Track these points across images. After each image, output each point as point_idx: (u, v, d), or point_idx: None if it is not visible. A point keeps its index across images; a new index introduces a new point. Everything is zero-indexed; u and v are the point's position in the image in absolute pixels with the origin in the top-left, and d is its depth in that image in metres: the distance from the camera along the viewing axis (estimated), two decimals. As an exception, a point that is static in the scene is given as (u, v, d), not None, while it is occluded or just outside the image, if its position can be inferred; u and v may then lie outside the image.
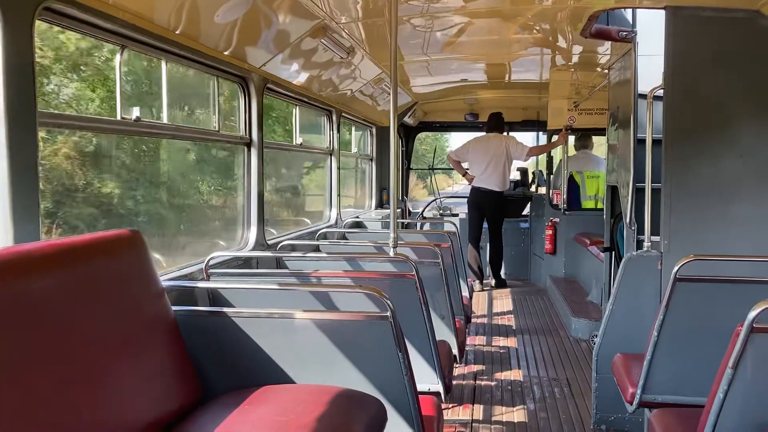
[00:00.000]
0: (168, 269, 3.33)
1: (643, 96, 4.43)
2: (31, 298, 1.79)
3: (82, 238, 2.13)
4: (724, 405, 2.22)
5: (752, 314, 2.12)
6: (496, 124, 8.58)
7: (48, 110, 2.48)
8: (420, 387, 2.88)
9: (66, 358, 1.84)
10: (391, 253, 3.43)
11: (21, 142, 2.09)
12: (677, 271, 3.05)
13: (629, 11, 4.68)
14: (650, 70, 4.46)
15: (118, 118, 2.82)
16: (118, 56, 2.79)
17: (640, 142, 4.34)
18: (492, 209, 8.56)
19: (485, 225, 8.70)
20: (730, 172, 3.79)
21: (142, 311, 2.24)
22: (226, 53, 3.68)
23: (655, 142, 4.08)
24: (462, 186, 11.33)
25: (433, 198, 10.30)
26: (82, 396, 1.86)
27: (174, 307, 2.44)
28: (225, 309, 2.59)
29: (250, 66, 4.03)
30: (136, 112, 2.88)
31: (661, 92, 3.98)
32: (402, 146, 9.58)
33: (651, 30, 4.44)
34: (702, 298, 3.09)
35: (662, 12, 3.87)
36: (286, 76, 4.69)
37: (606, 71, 5.80)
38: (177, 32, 3.13)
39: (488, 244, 8.78)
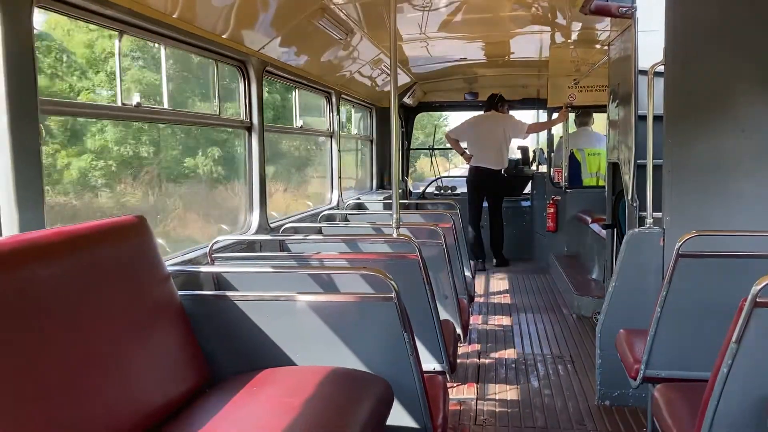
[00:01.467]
0: (172, 254, 3.35)
1: (644, 72, 4.40)
2: (38, 286, 1.80)
3: (88, 225, 2.14)
4: (727, 379, 2.23)
5: (756, 289, 2.13)
6: (493, 103, 8.56)
7: (49, 98, 2.48)
8: (425, 366, 2.90)
9: (74, 345, 1.86)
10: (394, 234, 3.44)
11: (23, 130, 2.09)
12: (679, 247, 3.06)
13: (629, -14, 4.65)
14: (651, 46, 4.44)
15: (119, 104, 2.82)
16: (116, 42, 2.78)
17: (641, 119, 4.33)
18: (491, 188, 8.56)
19: (485, 204, 8.71)
20: (732, 147, 3.77)
21: (148, 296, 2.25)
22: (224, 36, 3.66)
23: (656, 119, 4.07)
24: (463, 170, 11.33)
25: (435, 178, 10.30)
26: (91, 381, 1.88)
27: (180, 292, 2.46)
28: (230, 293, 2.61)
29: (248, 49, 4.01)
30: (136, 97, 2.88)
31: (661, 68, 3.95)
32: (402, 127, 9.55)
33: (651, 5, 4.42)
34: (704, 274, 3.11)
35: (663, -14, 3.84)
36: (285, 59, 4.67)
37: (606, 48, 5.77)
38: (174, 16, 3.11)
39: (489, 223, 8.80)
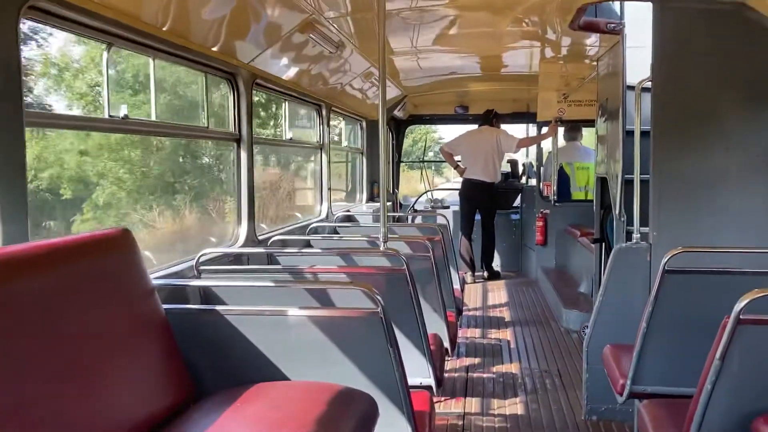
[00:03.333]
0: (158, 267, 3.33)
1: (632, 88, 4.44)
2: (21, 299, 1.79)
3: (72, 238, 2.12)
4: (712, 396, 2.24)
5: (739, 306, 2.14)
6: (487, 117, 8.66)
7: (35, 110, 2.47)
8: (412, 381, 2.90)
9: (56, 359, 1.84)
10: (382, 248, 3.43)
11: (8, 142, 2.08)
12: (666, 263, 3.07)
13: (617, 3, 4.69)
14: (638, 62, 4.47)
15: (106, 116, 2.81)
16: (104, 54, 2.78)
17: (629, 134, 4.36)
18: (483, 200, 8.60)
19: (477, 217, 8.75)
20: (718, 163, 3.81)
21: (132, 310, 2.23)
22: (214, 49, 3.66)
23: (644, 134, 4.10)
24: (455, 183, 11.39)
25: (425, 191, 10.32)
26: (74, 396, 1.86)
27: (165, 305, 2.44)
28: (216, 307, 2.59)
29: (238, 62, 4.01)
30: (123, 109, 2.87)
31: (649, 84, 3.99)
32: (392, 139, 9.58)
33: (639, 22, 4.46)
34: (690, 290, 3.11)
35: (650, 4, 3.89)
36: (276, 71, 4.68)
37: (595, 63, 5.81)
38: (164, 29, 3.11)
39: (480, 236, 8.82)
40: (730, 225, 3.77)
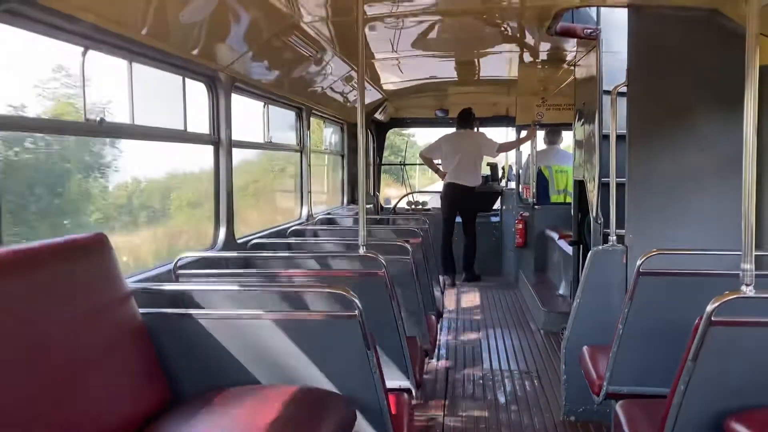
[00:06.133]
0: (135, 271, 3.30)
1: (608, 92, 4.49)
2: (-5, 304, 1.78)
3: (46, 243, 2.11)
4: (685, 396, 2.28)
5: (710, 307, 2.18)
6: (466, 120, 8.66)
7: (6, 113, 2.44)
8: (390, 384, 2.91)
9: (31, 363, 1.83)
10: (361, 251, 3.44)
11: None
12: (640, 264, 3.12)
13: (594, 9, 4.75)
14: (615, 67, 4.53)
15: (83, 120, 2.79)
16: (81, 58, 2.76)
17: (606, 138, 4.41)
18: (464, 204, 8.64)
19: (458, 220, 8.78)
20: (692, 166, 3.87)
21: (108, 314, 2.22)
22: (193, 53, 3.65)
23: (620, 138, 4.15)
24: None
25: (406, 193, 10.34)
26: (49, 401, 1.85)
27: (142, 310, 2.43)
28: (193, 311, 2.58)
29: (217, 65, 4.00)
30: (100, 113, 2.85)
31: (624, 89, 4.04)
32: (373, 142, 9.59)
33: (615, 27, 4.52)
34: (665, 291, 3.16)
35: (626, 10, 3.94)
36: (255, 75, 4.67)
37: (572, 68, 5.87)
38: (143, 33, 3.09)
39: (462, 239, 8.85)
40: (704, 227, 3.82)
